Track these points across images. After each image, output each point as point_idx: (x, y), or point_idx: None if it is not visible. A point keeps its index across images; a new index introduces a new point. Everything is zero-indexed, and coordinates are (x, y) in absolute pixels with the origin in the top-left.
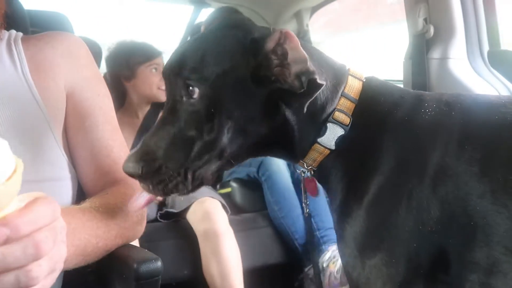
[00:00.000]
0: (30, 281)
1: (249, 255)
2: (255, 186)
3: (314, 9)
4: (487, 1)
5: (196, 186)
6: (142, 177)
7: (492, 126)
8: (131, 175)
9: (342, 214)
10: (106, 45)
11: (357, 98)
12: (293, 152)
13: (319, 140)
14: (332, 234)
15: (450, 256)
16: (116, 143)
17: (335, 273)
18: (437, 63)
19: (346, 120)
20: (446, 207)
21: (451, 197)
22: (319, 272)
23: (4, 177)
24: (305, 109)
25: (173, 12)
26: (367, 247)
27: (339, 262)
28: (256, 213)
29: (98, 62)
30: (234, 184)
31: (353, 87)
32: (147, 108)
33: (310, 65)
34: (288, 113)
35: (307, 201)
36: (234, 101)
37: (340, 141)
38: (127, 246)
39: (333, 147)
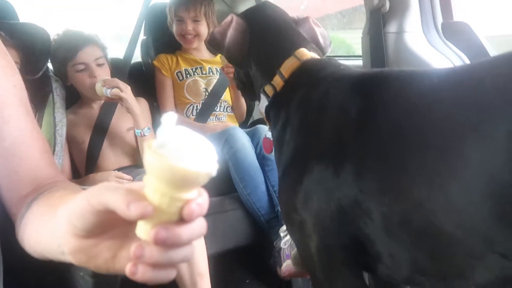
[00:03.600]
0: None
1: (219, 239)
2: (221, 169)
3: None
4: None
5: None
6: None
7: (400, 109)
8: None
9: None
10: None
11: (285, 77)
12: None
13: (258, 106)
14: None
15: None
16: (41, 135)
17: (287, 248)
18: (394, 37)
19: (271, 93)
20: (347, 189)
21: (350, 179)
22: (279, 247)
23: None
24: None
25: None
26: (289, 204)
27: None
28: (224, 197)
29: (47, 50)
30: None
31: (286, 66)
32: (102, 100)
33: None
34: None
35: None
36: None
37: (267, 109)
38: None
39: (264, 114)
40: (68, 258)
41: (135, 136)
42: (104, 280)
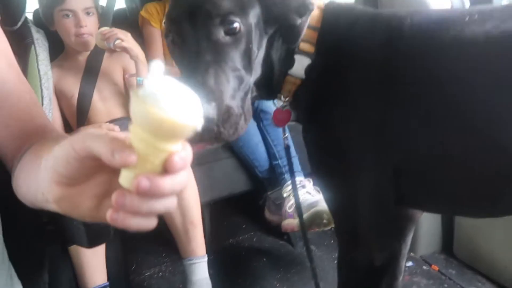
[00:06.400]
0: None
1: (214, 187)
2: None
3: None
4: None
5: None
6: (213, 123)
7: (439, 48)
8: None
9: (308, 141)
10: None
11: (318, 26)
12: (271, 87)
13: (290, 72)
14: (296, 163)
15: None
16: (28, 87)
17: (289, 207)
18: None
19: (311, 49)
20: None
21: (412, 120)
22: (281, 199)
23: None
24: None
25: None
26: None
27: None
28: (218, 145)
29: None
30: None
31: (313, 16)
32: (87, 51)
33: None
34: (271, 50)
35: (285, 134)
36: (257, 38)
37: (309, 70)
38: None
39: (303, 76)
40: (52, 206)
41: (125, 86)
42: (96, 229)
